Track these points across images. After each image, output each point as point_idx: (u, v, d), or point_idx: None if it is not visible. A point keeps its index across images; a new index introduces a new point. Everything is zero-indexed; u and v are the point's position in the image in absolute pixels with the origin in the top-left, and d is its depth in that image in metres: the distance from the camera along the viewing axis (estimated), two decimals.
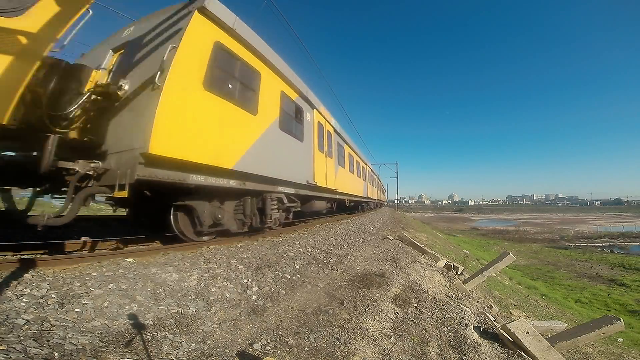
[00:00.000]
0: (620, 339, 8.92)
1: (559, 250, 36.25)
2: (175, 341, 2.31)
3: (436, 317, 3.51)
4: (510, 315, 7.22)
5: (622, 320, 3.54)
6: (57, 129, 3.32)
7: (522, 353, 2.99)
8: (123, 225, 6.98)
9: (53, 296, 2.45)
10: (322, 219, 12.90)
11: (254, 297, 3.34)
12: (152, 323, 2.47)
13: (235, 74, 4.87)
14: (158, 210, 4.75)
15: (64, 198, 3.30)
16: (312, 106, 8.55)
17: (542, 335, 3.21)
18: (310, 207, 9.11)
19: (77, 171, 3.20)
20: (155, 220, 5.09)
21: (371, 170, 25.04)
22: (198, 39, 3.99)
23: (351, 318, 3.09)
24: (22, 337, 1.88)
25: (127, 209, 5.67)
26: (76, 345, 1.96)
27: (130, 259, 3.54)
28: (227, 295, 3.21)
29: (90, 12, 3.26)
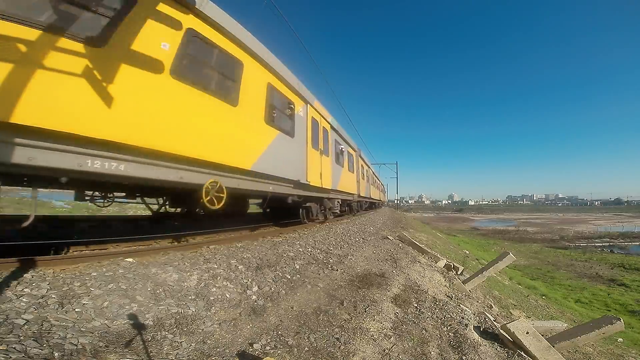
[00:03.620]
0: (620, 339, 8.92)
1: (559, 250, 36.23)
2: (175, 341, 2.30)
3: (436, 317, 3.51)
4: (510, 315, 7.22)
5: (622, 320, 3.54)
6: None
7: (522, 353, 3.00)
8: (124, 225, 6.98)
9: (53, 296, 2.45)
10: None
11: (254, 297, 3.34)
12: (152, 323, 2.47)
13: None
14: None
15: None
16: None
17: (542, 335, 3.22)
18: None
19: None
20: None
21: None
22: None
23: (351, 318, 3.09)
24: (22, 337, 1.88)
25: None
26: (76, 345, 1.96)
27: (130, 259, 3.54)
28: (227, 295, 3.21)
29: None
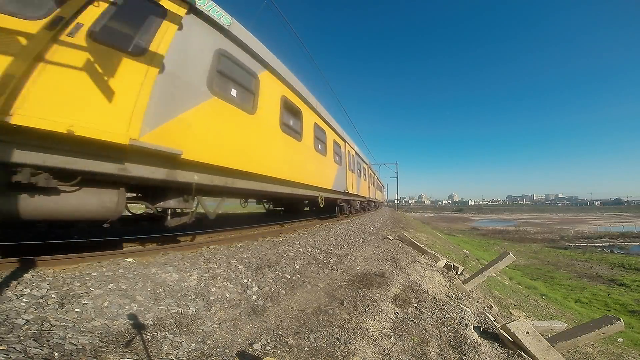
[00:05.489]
0: (620, 339, 8.92)
1: (559, 250, 36.26)
2: (175, 341, 2.30)
3: (436, 317, 3.51)
4: (510, 315, 7.23)
5: (622, 320, 3.55)
6: None
7: (522, 353, 3.00)
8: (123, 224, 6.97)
9: (53, 296, 2.45)
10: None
11: (254, 297, 3.34)
12: (152, 323, 2.47)
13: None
14: None
15: None
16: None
17: (542, 335, 3.22)
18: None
19: None
20: None
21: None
22: None
23: (351, 318, 3.09)
24: (22, 337, 1.88)
25: None
26: (76, 345, 1.96)
27: (130, 259, 3.54)
28: (227, 295, 3.21)
29: None
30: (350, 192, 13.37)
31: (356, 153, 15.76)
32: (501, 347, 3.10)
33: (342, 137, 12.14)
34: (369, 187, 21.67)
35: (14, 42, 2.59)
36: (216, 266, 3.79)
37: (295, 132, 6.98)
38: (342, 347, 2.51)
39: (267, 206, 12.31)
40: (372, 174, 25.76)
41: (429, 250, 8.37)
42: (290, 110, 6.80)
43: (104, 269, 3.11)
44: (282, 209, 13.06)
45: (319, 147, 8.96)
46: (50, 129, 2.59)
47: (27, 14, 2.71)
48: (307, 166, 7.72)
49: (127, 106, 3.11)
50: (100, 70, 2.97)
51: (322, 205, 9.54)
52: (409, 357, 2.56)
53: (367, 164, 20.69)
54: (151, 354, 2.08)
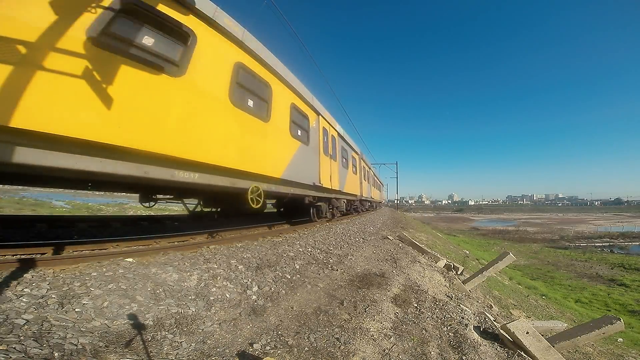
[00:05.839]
0: (620, 339, 8.93)
1: (559, 250, 36.27)
2: (175, 341, 2.30)
3: (436, 317, 3.51)
4: (510, 315, 7.23)
5: (622, 320, 3.54)
6: None
7: (522, 353, 2.99)
8: (123, 225, 6.99)
9: (53, 296, 2.45)
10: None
11: (254, 297, 3.34)
12: (152, 323, 2.47)
13: None
14: None
15: None
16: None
17: (542, 335, 3.21)
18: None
19: None
20: None
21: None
22: None
23: (351, 318, 3.09)
24: (22, 337, 1.88)
25: None
26: (76, 345, 1.96)
27: (130, 259, 3.54)
28: (227, 295, 3.21)
29: None
30: (327, 186, 9.32)
31: (339, 135, 11.56)
32: (501, 347, 3.10)
33: (311, 105, 8.29)
34: (361, 182, 16.81)
35: None
36: (216, 266, 3.79)
37: (158, 58, 3.69)
38: (342, 347, 2.51)
39: (191, 207, 8.51)
40: (367, 168, 20.50)
41: (429, 250, 8.36)
42: (152, 23, 3.68)
43: (104, 269, 3.11)
44: (217, 209, 9.05)
45: (250, 104, 5.34)
46: None
47: None
48: (205, 128, 4.32)
49: None
50: None
51: (257, 205, 5.45)
52: (409, 357, 2.56)
53: (358, 154, 16.14)
54: (151, 354, 2.08)
